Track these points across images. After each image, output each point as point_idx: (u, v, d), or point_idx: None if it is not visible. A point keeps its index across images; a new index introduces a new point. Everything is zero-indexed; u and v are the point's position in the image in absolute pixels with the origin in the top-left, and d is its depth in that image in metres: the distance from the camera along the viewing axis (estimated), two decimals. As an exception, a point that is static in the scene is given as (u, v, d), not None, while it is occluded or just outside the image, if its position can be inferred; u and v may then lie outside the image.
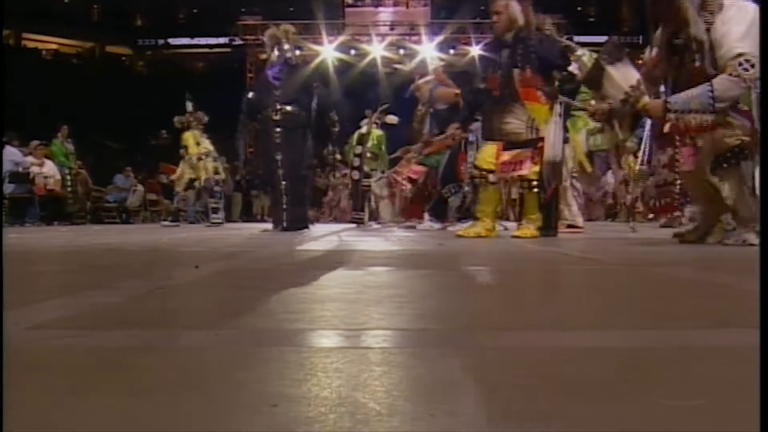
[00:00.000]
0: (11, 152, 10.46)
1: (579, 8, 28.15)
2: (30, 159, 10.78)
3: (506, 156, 4.55)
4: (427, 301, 1.47)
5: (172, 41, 29.40)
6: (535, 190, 4.50)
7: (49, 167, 11.09)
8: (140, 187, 14.19)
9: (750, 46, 3.08)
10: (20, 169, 10.48)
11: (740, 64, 3.08)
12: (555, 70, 4.54)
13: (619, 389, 0.69)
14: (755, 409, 0.58)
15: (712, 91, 3.11)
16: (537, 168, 4.47)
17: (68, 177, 11.54)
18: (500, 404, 0.65)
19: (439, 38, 23.09)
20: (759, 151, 3.18)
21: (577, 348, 0.93)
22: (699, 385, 0.72)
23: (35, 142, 11.07)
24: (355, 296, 1.50)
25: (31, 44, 27.98)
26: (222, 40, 27.20)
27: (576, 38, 26.41)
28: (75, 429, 0.57)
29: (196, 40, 29.15)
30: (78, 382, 0.74)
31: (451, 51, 26.67)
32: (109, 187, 13.94)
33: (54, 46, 28.50)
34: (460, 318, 1.22)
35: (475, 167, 4.75)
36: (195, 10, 28.73)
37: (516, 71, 4.44)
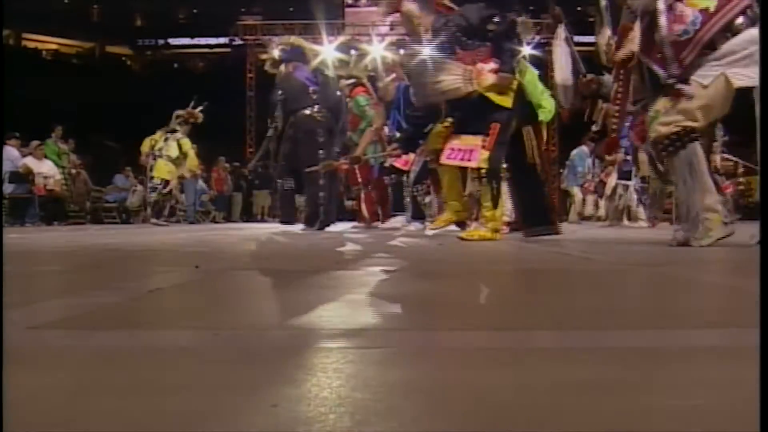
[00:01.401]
0: (7, 151, 10.48)
1: (579, 8, 28.12)
2: (29, 159, 10.79)
3: (456, 141, 4.17)
4: (428, 300, 1.47)
5: (172, 41, 29.40)
6: (484, 179, 4.11)
7: (49, 167, 11.10)
8: (140, 187, 14.18)
9: None
10: (17, 168, 10.49)
11: None
12: (487, 23, 4.18)
13: (619, 389, 0.69)
14: (755, 409, 0.58)
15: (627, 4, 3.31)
16: (487, 154, 4.06)
17: (62, 176, 11.56)
18: (500, 404, 0.65)
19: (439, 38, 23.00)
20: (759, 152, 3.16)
21: (577, 348, 0.93)
22: (699, 385, 0.72)
23: (35, 142, 11.09)
24: (355, 296, 1.50)
25: (31, 44, 27.96)
26: (222, 40, 27.20)
27: (576, 38, 26.43)
28: (75, 429, 0.57)
29: (196, 40, 29.16)
30: (78, 382, 0.74)
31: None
32: (109, 187, 13.93)
33: (54, 46, 28.48)
34: (460, 318, 1.22)
35: (429, 151, 4.52)
36: (195, 10, 28.70)
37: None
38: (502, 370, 0.79)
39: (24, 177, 10.49)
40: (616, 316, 1.26)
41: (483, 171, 4.10)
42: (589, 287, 1.80)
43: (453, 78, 4.15)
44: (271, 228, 6.75)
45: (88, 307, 1.31)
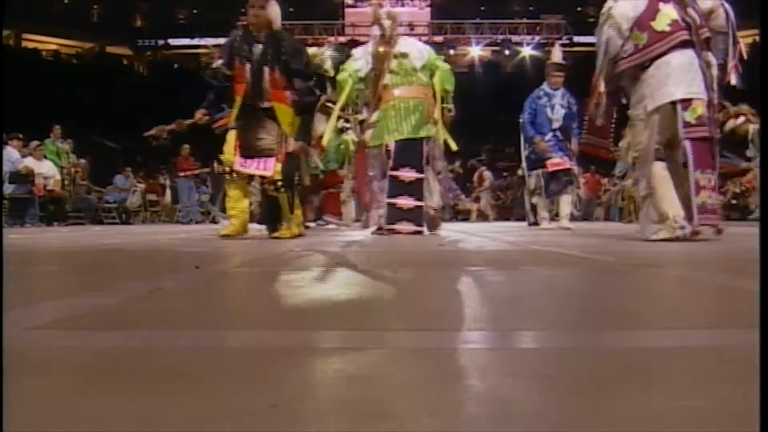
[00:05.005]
0: (7, 152, 10.49)
1: (579, 8, 28.14)
2: (29, 159, 10.80)
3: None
4: (427, 300, 1.47)
5: (172, 42, 29.42)
6: (282, 190, 4.48)
7: (49, 167, 11.10)
8: (140, 187, 14.18)
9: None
10: (18, 168, 10.50)
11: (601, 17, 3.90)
12: (296, 78, 4.48)
13: (619, 389, 0.69)
14: (755, 409, 0.58)
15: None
16: (280, 167, 4.44)
17: (62, 175, 11.58)
18: (501, 404, 0.65)
19: (439, 38, 23.12)
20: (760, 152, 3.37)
21: (577, 348, 0.93)
22: (699, 385, 0.72)
23: (35, 143, 11.10)
24: (354, 296, 1.50)
25: (31, 44, 27.98)
26: (222, 41, 27.19)
27: (576, 38, 26.43)
28: (75, 429, 0.57)
29: (196, 41, 29.16)
30: (78, 382, 0.74)
31: (451, 51, 26.75)
32: (109, 188, 13.92)
33: (54, 47, 28.49)
34: (460, 318, 1.22)
35: (222, 162, 4.64)
36: (195, 11, 28.74)
37: (266, 69, 4.41)
38: (503, 370, 0.79)
39: (24, 177, 10.49)
40: (616, 316, 1.26)
41: (279, 183, 4.47)
42: (590, 287, 1.80)
43: (271, 139, 4.50)
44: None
45: (88, 307, 1.31)
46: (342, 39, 22.79)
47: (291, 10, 23.60)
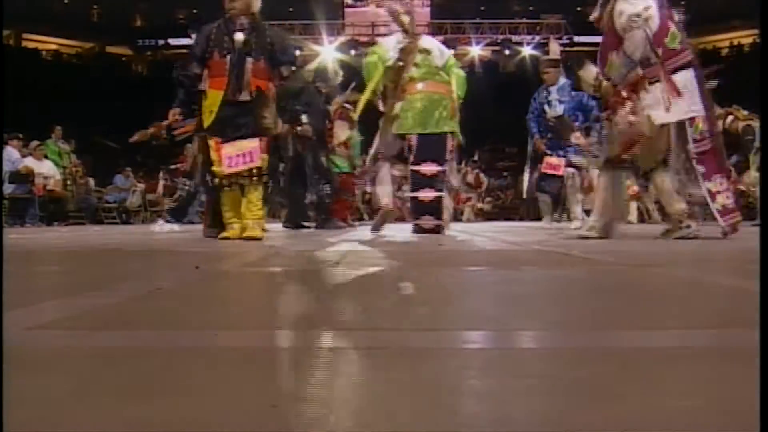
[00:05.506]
0: (7, 152, 10.50)
1: (579, 8, 28.14)
2: (29, 159, 10.80)
3: (229, 149, 4.24)
4: (428, 300, 1.47)
5: (172, 41, 29.40)
6: (265, 181, 4.43)
7: (49, 167, 11.11)
8: (140, 187, 14.17)
9: (632, 7, 3.87)
10: (18, 168, 10.50)
11: (632, 21, 3.84)
12: (284, 66, 4.42)
13: (619, 389, 0.69)
14: (755, 409, 0.58)
15: (624, 51, 3.89)
16: (266, 157, 4.35)
17: (64, 176, 11.58)
18: (501, 404, 0.65)
19: (439, 38, 23.11)
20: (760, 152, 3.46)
21: (577, 348, 0.93)
22: (699, 385, 0.72)
23: (35, 143, 11.11)
24: (355, 296, 1.50)
25: (31, 44, 27.96)
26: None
27: (576, 38, 26.42)
28: (75, 429, 0.57)
29: (197, 41, 29.11)
30: (78, 382, 0.74)
31: (451, 51, 26.76)
32: (109, 188, 13.91)
33: (54, 47, 28.47)
34: (460, 318, 1.22)
35: (214, 174, 4.41)
36: (195, 11, 28.72)
37: (249, 59, 4.31)
38: (503, 370, 0.79)
39: (24, 177, 10.49)
40: (617, 316, 1.26)
41: (263, 172, 4.34)
42: (589, 287, 1.80)
43: (271, 119, 4.42)
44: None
45: (88, 307, 1.31)
46: (342, 38, 22.79)
47: (291, 9, 23.60)
